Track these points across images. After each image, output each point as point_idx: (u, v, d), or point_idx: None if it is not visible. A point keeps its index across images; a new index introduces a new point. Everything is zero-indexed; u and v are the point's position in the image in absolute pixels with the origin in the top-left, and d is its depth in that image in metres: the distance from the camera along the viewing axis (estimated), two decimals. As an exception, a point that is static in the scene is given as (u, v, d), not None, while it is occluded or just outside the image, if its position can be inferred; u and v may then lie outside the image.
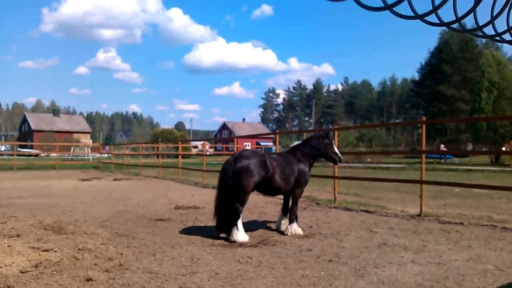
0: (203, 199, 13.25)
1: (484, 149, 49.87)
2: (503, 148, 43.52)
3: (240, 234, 7.50)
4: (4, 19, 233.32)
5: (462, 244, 7.27)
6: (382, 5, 2.81)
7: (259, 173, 7.65)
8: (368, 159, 49.14)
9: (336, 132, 13.72)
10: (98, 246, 6.83)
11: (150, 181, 22.93)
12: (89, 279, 5.06)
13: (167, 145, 58.41)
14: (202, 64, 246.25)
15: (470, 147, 54.96)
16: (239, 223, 7.56)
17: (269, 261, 6.13)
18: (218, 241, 7.51)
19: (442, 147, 52.76)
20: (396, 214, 10.83)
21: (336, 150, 8.81)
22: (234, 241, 7.41)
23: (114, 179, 23.29)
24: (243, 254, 6.54)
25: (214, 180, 7.95)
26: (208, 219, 9.25)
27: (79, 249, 6.55)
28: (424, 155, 11.38)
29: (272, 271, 5.60)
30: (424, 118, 11.27)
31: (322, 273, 5.51)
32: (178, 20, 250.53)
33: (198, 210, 11.19)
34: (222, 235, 7.78)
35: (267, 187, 8.00)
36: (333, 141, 9.00)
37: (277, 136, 17.60)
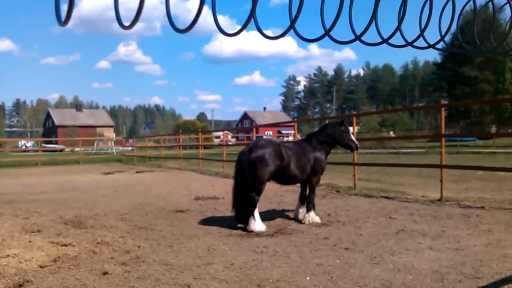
0: (223, 189, 13.30)
1: (510, 131, 48.96)
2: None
3: (257, 224, 7.51)
4: (26, 17, 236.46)
5: (482, 229, 7.16)
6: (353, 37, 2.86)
7: (274, 162, 7.63)
8: (392, 144, 48.68)
9: (354, 118, 13.61)
10: (116, 240, 6.90)
11: (171, 172, 23.08)
12: (105, 273, 5.12)
13: (189, 136, 58.65)
14: (222, 54, 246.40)
15: (494, 129, 54.07)
16: (256, 213, 7.57)
17: (285, 250, 6.13)
18: (235, 231, 7.53)
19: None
20: (417, 199, 10.72)
21: (352, 137, 8.74)
22: (251, 231, 7.43)
23: (137, 172, 23.50)
24: (259, 243, 6.55)
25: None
26: (226, 209, 9.28)
27: (97, 243, 6.63)
28: (443, 139, 11.21)
29: (287, 260, 5.60)
30: (442, 101, 11.10)
31: (338, 261, 5.49)
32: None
33: (218, 201, 11.23)
34: (240, 225, 7.80)
35: (283, 176, 7.98)
36: (349, 128, 8.90)
37: (296, 124, 17.53)
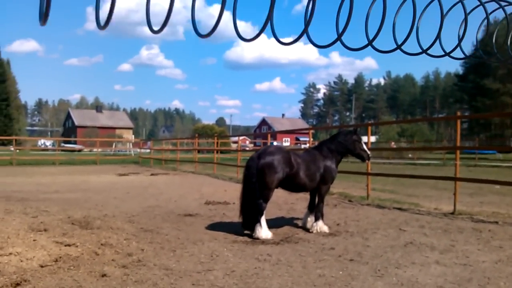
0: (234, 195, 13.19)
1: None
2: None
3: (263, 231, 7.42)
4: (51, 19, 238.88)
5: (493, 245, 6.98)
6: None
7: (283, 169, 7.54)
8: (410, 155, 48.19)
9: (369, 128, 13.46)
10: (120, 242, 6.85)
11: (186, 176, 23.09)
12: (104, 275, 5.08)
13: (207, 141, 58.71)
14: (243, 60, 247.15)
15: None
16: (263, 220, 7.48)
17: (288, 259, 6.03)
18: (241, 238, 7.45)
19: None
20: (429, 212, 10.53)
21: (364, 147, 8.60)
22: (257, 238, 7.35)
23: (151, 174, 23.54)
24: (263, 251, 6.46)
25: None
26: (235, 215, 9.18)
27: (101, 244, 6.59)
28: (458, 151, 11.02)
29: (289, 269, 5.50)
30: (458, 113, 10.91)
31: (341, 272, 5.37)
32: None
33: (228, 206, 11.16)
34: (247, 232, 7.73)
35: (291, 184, 7.88)
36: (362, 138, 8.76)
37: (310, 132, 17.42)
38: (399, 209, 10.99)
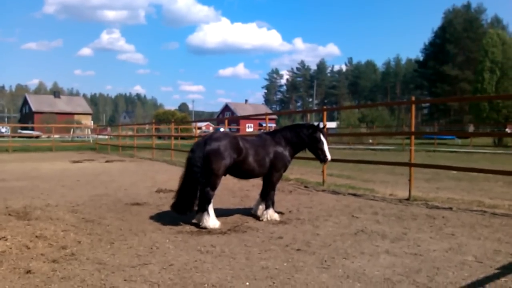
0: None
1: (488, 131, 48.91)
2: (507, 130, 42.57)
3: (210, 220, 7.10)
4: (6, 1, 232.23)
5: (445, 232, 6.82)
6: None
7: (231, 155, 7.20)
8: (370, 140, 48.61)
9: (325, 113, 13.21)
10: (57, 233, 6.44)
11: (142, 163, 22.53)
12: (28, 271, 4.68)
13: (168, 126, 57.94)
14: (206, 45, 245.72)
15: (471, 128, 54.14)
16: (210, 209, 7.15)
17: (232, 250, 5.71)
18: (187, 228, 7.12)
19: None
20: (384, 198, 10.37)
21: (325, 147, 7.92)
22: (204, 228, 7.02)
23: (106, 161, 22.90)
24: (208, 242, 6.12)
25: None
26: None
27: (35, 237, 6.19)
28: (413, 137, 10.87)
29: (231, 262, 5.19)
30: (413, 98, 10.71)
31: (285, 264, 5.09)
32: (182, 0, 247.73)
33: (179, 194, 10.77)
34: (194, 220, 7.39)
35: (240, 170, 7.54)
36: (324, 138, 8.00)
37: (267, 117, 17.10)
38: (354, 195, 10.83)
